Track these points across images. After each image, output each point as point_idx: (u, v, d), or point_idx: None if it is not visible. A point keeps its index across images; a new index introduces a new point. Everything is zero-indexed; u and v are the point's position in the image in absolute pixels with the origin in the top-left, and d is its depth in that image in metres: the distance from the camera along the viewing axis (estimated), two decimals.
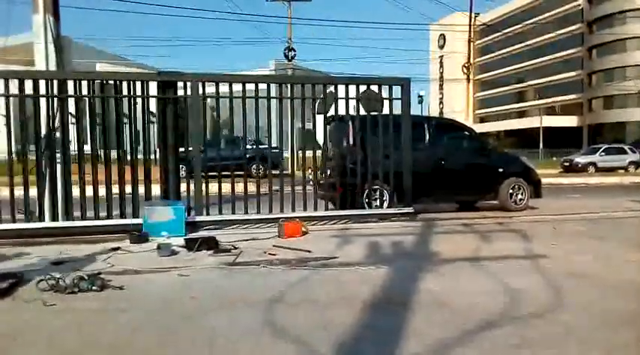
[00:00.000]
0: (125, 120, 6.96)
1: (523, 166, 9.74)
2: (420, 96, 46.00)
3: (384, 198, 7.98)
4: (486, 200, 9.40)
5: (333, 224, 7.33)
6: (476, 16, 33.20)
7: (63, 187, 6.66)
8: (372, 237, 6.12)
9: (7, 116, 6.51)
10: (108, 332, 3.05)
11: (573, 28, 59.70)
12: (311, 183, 8.09)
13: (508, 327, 3.06)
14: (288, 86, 7.59)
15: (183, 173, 8.16)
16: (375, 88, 7.91)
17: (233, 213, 7.14)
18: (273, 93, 7.43)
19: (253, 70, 35.86)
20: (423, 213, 8.33)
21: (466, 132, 9.68)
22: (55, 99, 6.58)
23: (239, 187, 7.36)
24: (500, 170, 9.10)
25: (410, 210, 7.81)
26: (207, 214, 7.04)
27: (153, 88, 6.95)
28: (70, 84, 6.66)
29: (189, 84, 6.99)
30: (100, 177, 6.71)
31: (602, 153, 27.83)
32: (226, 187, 7.23)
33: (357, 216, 7.60)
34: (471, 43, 31.21)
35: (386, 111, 7.85)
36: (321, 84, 7.75)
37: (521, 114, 66.99)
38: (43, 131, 6.55)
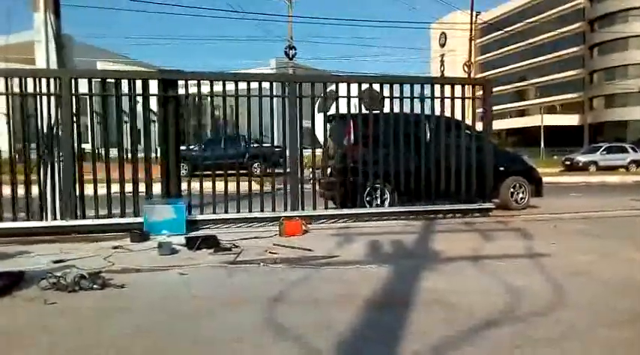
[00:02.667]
0: (126, 118, 6.95)
1: (524, 165, 9.72)
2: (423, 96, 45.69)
3: (385, 197, 7.97)
4: None
5: (334, 222, 7.32)
6: (477, 15, 33.19)
7: (64, 186, 6.66)
8: (372, 236, 6.11)
9: (8, 114, 6.50)
10: (109, 331, 3.04)
11: (574, 26, 59.56)
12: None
13: (510, 326, 3.06)
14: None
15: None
16: (458, 88, 8.04)
17: (235, 211, 7.13)
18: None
19: (253, 69, 35.77)
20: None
21: (467, 131, 9.65)
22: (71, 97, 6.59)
23: (240, 186, 7.33)
24: (502, 169, 9.08)
25: (491, 205, 7.90)
26: (208, 212, 7.05)
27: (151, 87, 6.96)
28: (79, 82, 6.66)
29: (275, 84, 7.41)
30: (101, 176, 6.71)
31: (604, 152, 27.79)
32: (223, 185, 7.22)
33: (425, 212, 7.63)
34: (472, 42, 31.18)
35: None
36: (397, 84, 7.86)
37: (522, 112, 66.89)
38: (45, 129, 6.55)
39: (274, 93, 7.41)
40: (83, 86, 6.71)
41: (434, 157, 7.87)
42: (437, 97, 7.93)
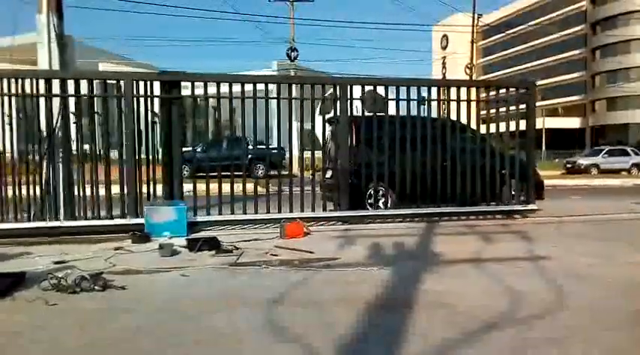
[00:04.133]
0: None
1: (526, 167, 9.68)
2: (422, 97, 45.83)
3: (386, 199, 7.96)
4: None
5: (340, 224, 7.31)
6: (479, 17, 33.22)
7: (65, 187, 6.67)
8: (373, 238, 6.11)
9: (10, 115, 6.51)
10: (110, 332, 3.04)
11: (576, 29, 59.52)
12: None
13: (510, 328, 3.05)
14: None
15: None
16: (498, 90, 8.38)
17: (235, 213, 7.13)
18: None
19: (255, 71, 35.80)
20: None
21: (469, 133, 9.63)
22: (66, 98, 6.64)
23: (241, 188, 7.33)
24: (503, 171, 9.06)
25: (534, 207, 8.04)
26: (209, 214, 7.06)
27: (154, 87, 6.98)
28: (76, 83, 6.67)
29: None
30: (102, 177, 6.72)
31: (605, 155, 27.76)
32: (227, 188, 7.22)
33: (471, 214, 7.82)
34: (474, 44, 31.19)
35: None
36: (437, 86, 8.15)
37: (523, 115, 66.81)
38: (45, 131, 6.56)
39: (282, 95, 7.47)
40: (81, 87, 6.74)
41: (440, 159, 7.86)
42: (484, 100, 8.21)
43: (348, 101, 7.50)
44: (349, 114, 7.56)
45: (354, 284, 4.06)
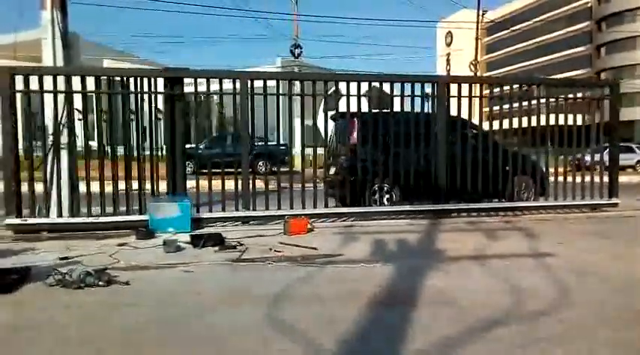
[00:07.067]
0: (132, 116, 6.97)
1: (531, 164, 9.65)
2: (426, 94, 45.71)
3: (388, 196, 7.96)
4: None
5: (343, 221, 7.32)
6: (483, 14, 33.07)
7: (69, 183, 6.69)
8: (377, 235, 6.11)
9: (15, 112, 6.52)
10: (114, 327, 3.06)
11: (582, 25, 59.20)
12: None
13: (514, 325, 3.04)
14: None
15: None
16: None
17: (239, 209, 7.13)
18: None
19: (258, 67, 35.78)
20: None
21: (474, 130, 9.60)
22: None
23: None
24: (508, 168, 9.04)
25: (617, 201, 8.50)
26: (213, 210, 7.06)
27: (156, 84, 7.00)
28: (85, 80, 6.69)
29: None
30: (107, 174, 6.73)
31: None
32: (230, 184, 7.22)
33: (524, 208, 8.33)
34: (479, 41, 31.06)
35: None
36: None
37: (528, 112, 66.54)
38: (50, 127, 6.58)
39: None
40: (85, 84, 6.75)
41: (446, 156, 7.89)
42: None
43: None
44: (358, 110, 7.55)
45: (357, 281, 4.06)
